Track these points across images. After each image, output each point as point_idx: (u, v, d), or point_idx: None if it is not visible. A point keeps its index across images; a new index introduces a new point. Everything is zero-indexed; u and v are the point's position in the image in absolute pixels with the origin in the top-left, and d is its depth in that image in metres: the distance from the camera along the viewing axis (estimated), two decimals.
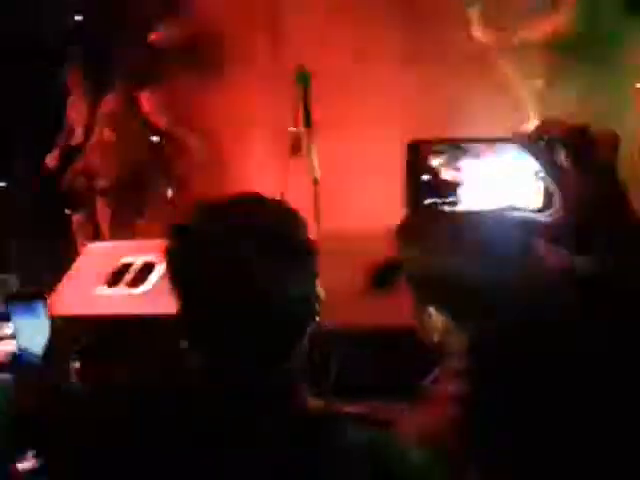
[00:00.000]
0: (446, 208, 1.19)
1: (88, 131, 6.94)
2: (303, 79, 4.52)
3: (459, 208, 1.18)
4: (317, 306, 1.47)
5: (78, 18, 7.02)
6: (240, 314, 1.38)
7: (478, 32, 4.53)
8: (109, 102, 6.66)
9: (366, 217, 4.22)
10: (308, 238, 1.46)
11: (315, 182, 4.44)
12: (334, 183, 4.68)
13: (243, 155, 5.97)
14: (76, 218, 7.13)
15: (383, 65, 5.38)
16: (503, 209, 1.17)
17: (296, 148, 4.48)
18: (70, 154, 7.12)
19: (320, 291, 1.48)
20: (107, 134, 6.69)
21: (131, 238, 5.53)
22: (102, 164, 6.76)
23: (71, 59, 7.01)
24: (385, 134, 4.74)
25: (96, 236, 6.93)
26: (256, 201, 1.47)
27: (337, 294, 1.90)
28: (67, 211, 7.15)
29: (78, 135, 7.06)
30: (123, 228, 6.91)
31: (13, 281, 6.28)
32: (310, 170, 4.46)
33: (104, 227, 6.94)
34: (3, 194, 7.80)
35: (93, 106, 6.91)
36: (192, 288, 1.42)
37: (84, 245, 7.00)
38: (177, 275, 1.43)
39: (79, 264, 4.32)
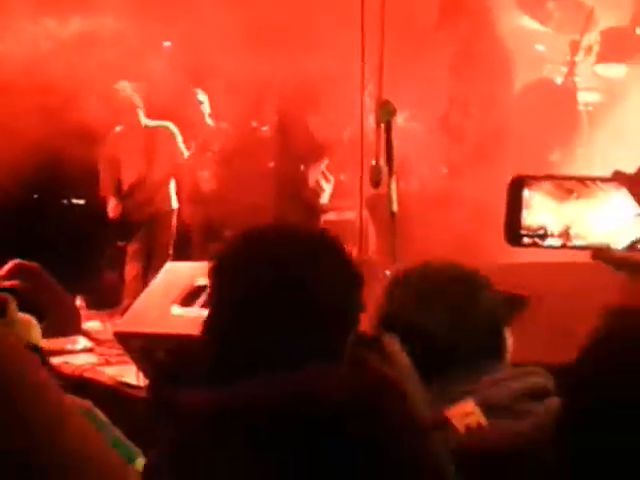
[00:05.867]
0: (537, 241, 1.20)
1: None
2: (387, 113, 4.50)
3: (549, 244, 1.18)
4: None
5: None
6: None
7: None
8: None
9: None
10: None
11: (393, 215, 4.43)
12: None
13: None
14: (131, 247, 7.30)
15: None
16: (600, 247, 1.16)
17: (376, 181, 4.47)
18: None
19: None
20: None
21: None
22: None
23: None
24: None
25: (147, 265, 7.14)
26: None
27: None
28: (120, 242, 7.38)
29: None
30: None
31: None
32: (388, 203, 4.45)
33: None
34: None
35: None
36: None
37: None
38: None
39: (157, 282, 4.38)
